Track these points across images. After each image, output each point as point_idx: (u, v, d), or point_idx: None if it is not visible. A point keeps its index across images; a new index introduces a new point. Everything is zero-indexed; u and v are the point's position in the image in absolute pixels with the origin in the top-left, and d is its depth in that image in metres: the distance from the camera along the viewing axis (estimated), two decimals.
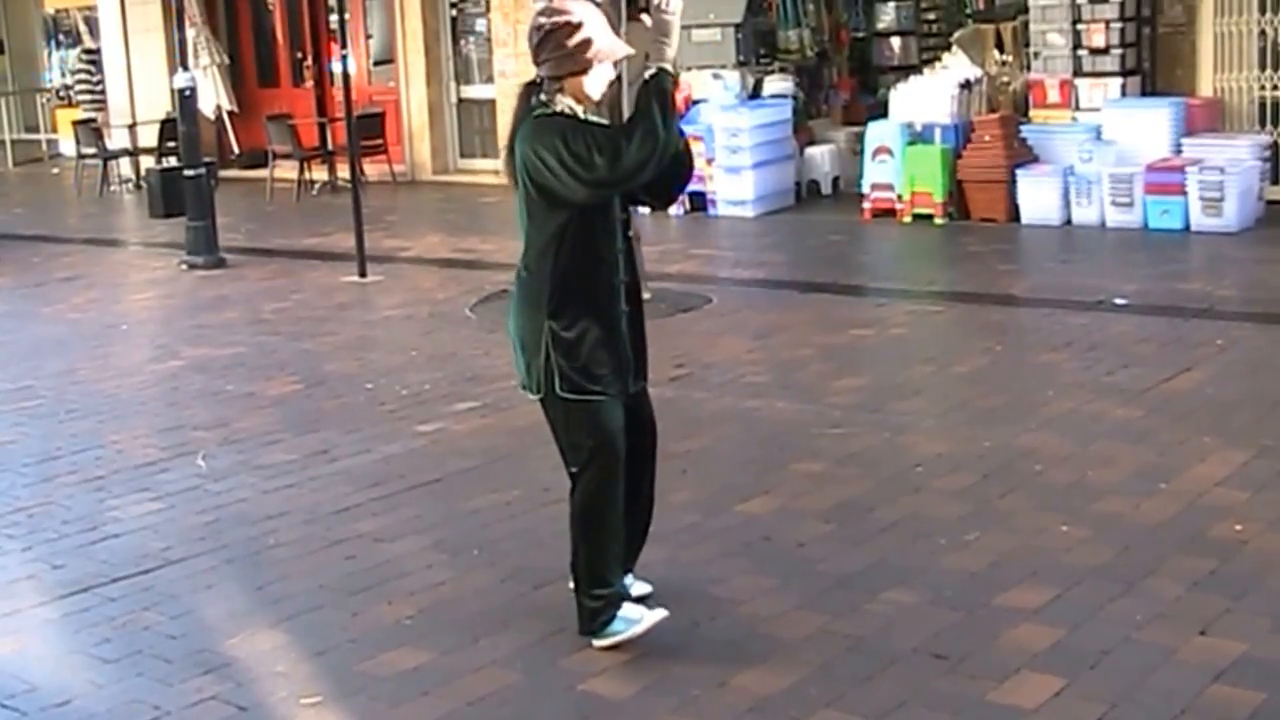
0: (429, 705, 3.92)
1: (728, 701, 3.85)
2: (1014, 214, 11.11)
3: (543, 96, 4.04)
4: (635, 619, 4.14)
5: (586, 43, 3.97)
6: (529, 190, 4.01)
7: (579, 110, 4.03)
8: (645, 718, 3.80)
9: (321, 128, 16.37)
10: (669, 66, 3.98)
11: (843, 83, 14.47)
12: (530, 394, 4.23)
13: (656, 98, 3.93)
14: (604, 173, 3.90)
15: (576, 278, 4.05)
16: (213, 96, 16.38)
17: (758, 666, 4.03)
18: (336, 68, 15.77)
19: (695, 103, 12.35)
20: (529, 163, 3.97)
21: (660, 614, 4.16)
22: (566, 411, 4.14)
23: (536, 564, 4.82)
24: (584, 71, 4.00)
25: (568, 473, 4.24)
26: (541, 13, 4.09)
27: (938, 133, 11.38)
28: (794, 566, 4.74)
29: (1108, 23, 11.30)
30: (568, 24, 3.98)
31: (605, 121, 4.12)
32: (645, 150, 3.90)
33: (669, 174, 4.14)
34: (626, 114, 4.59)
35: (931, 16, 15.44)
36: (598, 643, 4.16)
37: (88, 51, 18.55)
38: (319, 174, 15.52)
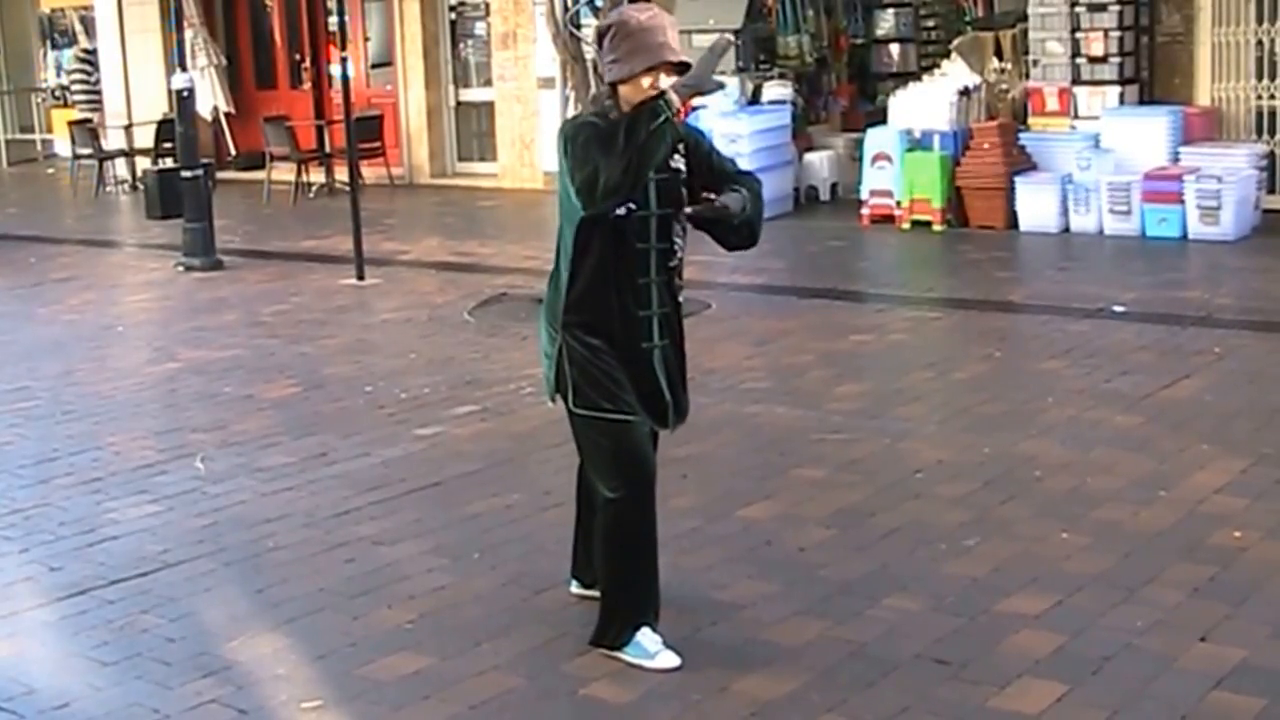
0: (430, 709, 3.91)
1: (730, 707, 3.85)
2: (1012, 221, 11.13)
3: (608, 103, 3.95)
4: (651, 653, 4.06)
5: (631, 51, 3.85)
6: (565, 189, 3.95)
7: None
8: None
9: (319, 130, 16.34)
10: (674, 99, 3.84)
11: (842, 89, 14.48)
12: (549, 403, 4.20)
13: (627, 129, 3.78)
14: (576, 183, 3.83)
15: (593, 298, 3.98)
16: (210, 98, 16.35)
17: (760, 672, 4.02)
18: (335, 70, 15.76)
19: (694, 108, 12.34)
20: (562, 151, 3.93)
21: (674, 661, 4.06)
22: (581, 427, 4.07)
23: (538, 568, 4.81)
24: (628, 79, 3.88)
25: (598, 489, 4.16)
26: (605, 16, 4.05)
27: (936, 140, 11.39)
28: (795, 572, 4.74)
29: (1106, 31, 11.33)
30: (618, 28, 3.88)
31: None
32: (610, 173, 3.75)
33: (731, 232, 4.10)
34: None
35: (930, 24, 15.44)
36: (602, 650, 4.15)
37: (84, 51, 18.52)
38: (316, 176, 15.50)
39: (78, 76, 18.29)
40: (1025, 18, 11.90)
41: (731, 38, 4.05)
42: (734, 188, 4.07)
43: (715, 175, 4.13)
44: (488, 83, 15.44)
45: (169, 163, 13.91)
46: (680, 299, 4.16)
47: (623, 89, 3.91)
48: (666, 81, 3.88)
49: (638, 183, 3.85)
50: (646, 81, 3.87)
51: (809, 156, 12.99)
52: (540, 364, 4.24)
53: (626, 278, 4.00)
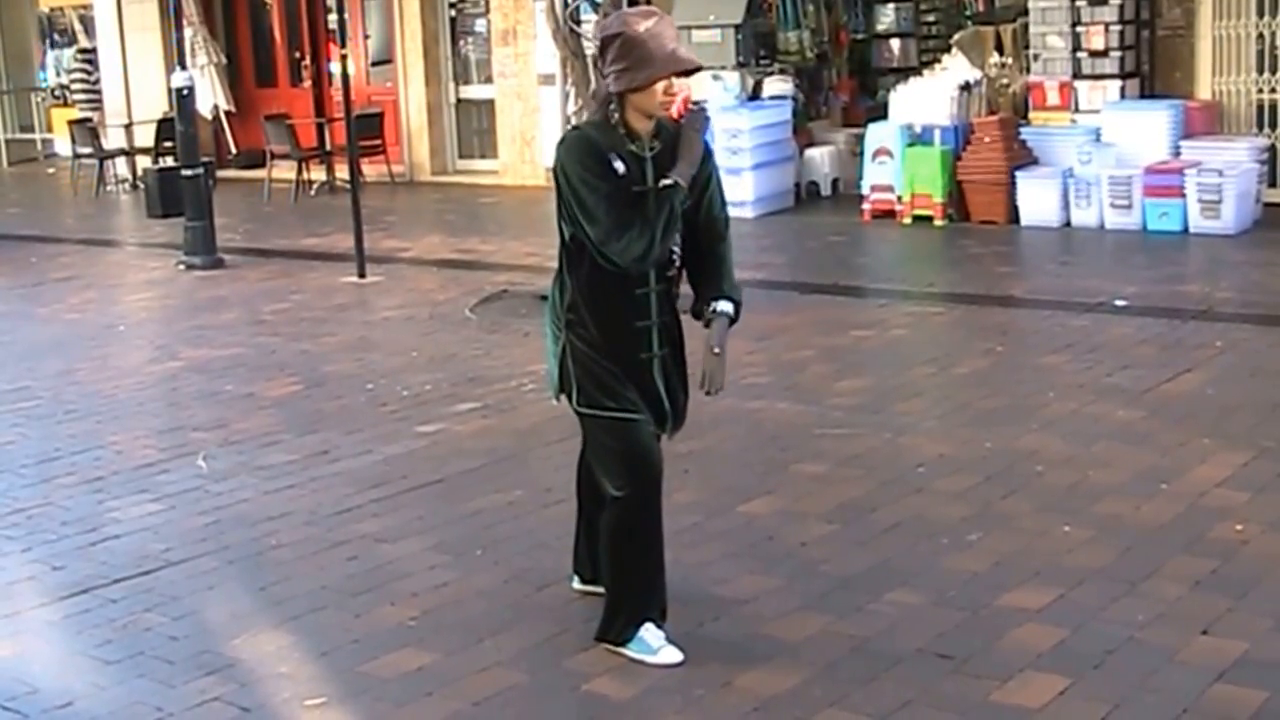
0: (433, 706, 3.91)
1: (732, 702, 3.85)
2: (1013, 216, 11.13)
3: (611, 107, 3.94)
4: (653, 648, 4.07)
5: (642, 60, 3.84)
6: (563, 199, 3.95)
7: (635, 129, 3.94)
8: (649, 718, 3.80)
9: (320, 128, 16.34)
10: (683, 182, 3.92)
11: (842, 84, 14.48)
12: (554, 400, 4.20)
13: (664, 209, 3.89)
14: (592, 238, 3.87)
15: (592, 302, 3.98)
16: (210, 97, 16.37)
17: (762, 667, 4.03)
18: (335, 68, 15.75)
19: (695, 104, 12.34)
20: (558, 173, 3.94)
21: (676, 656, 4.06)
22: (587, 426, 4.07)
23: (540, 565, 4.82)
24: (642, 88, 3.88)
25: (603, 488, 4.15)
26: (605, 24, 4.02)
27: (937, 134, 11.38)
28: (797, 567, 4.74)
29: (1107, 25, 11.32)
30: (625, 37, 3.86)
31: (649, 154, 3.97)
32: (635, 249, 3.85)
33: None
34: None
35: (931, 18, 15.45)
36: (605, 646, 4.15)
37: (83, 51, 18.52)
38: (317, 174, 15.51)
39: (78, 76, 18.29)
40: (1026, 12, 11.88)
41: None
42: (719, 309, 4.08)
43: (701, 211, 4.10)
44: (488, 80, 15.44)
45: (169, 161, 13.91)
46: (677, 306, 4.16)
47: (634, 96, 3.91)
48: (678, 83, 3.93)
49: (660, 257, 3.95)
50: (661, 87, 3.89)
51: (810, 152, 12.98)
52: (544, 361, 4.25)
53: (624, 288, 3.99)
